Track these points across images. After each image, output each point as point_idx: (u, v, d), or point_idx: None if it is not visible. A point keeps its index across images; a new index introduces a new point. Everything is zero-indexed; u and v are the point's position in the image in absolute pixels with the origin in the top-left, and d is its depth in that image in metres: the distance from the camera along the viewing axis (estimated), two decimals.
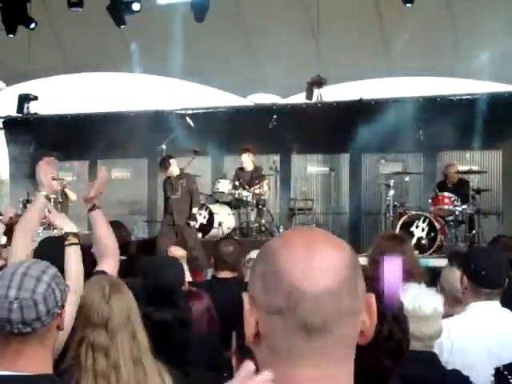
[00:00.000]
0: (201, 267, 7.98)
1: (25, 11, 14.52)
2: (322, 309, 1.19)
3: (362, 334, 1.27)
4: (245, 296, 1.26)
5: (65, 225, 3.45)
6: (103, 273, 3.36)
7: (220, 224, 11.87)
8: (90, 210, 3.68)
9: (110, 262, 3.53)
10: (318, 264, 1.21)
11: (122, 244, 4.16)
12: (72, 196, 12.18)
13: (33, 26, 14.43)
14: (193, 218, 10.90)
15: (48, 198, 3.66)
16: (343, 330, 1.22)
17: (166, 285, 3.67)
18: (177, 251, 5.29)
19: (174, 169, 10.97)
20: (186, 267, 4.93)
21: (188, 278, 4.81)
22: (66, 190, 12.25)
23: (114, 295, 2.88)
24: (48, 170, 3.72)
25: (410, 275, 3.75)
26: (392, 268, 1.35)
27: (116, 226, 4.62)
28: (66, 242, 3.32)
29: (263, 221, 12.05)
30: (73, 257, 3.24)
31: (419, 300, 2.97)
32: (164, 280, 3.70)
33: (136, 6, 13.82)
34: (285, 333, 1.21)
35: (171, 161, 10.93)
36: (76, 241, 3.35)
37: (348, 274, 1.22)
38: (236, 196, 11.97)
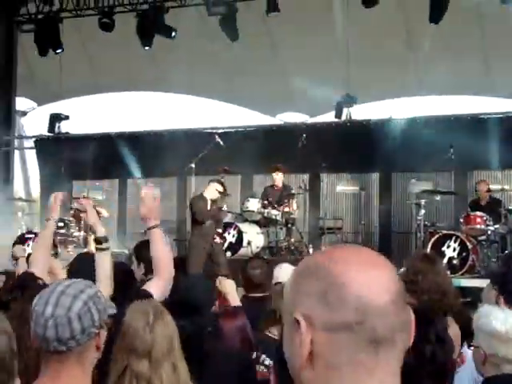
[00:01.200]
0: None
1: (57, 33, 14.73)
2: (389, 320, 1.19)
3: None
4: (298, 316, 1.22)
5: (97, 227, 3.49)
6: (146, 292, 3.33)
7: (249, 243, 11.84)
8: (148, 229, 3.61)
9: (158, 283, 3.48)
10: (378, 276, 1.21)
11: None
12: (104, 213, 12.24)
13: (59, 51, 14.62)
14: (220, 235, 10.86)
15: (56, 224, 3.87)
16: (404, 342, 1.22)
17: (192, 301, 3.65)
18: (225, 282, 4.98)
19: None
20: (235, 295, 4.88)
21: None
22: (98, 208, 12.30)
23: (158, 324, 2.84)
24: (61, 199, 3.91)
25: (444, 296, 3.70)
26: None
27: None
28: (98, 246, 3.35)
29: (292, 240, 12.01)
30: (104, 261, 3.26)
31: (510, 321, 2.91)
32: (192, 296, 3.68)
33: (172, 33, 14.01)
34: (351, 349, 1.19)
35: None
36: (107, 246, 3.37)
37: (400, 285, 1.23)
38: (265, 215, 11.94)
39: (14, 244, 11.84)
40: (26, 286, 3.29)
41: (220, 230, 11.00)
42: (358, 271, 1.20)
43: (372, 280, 1.20)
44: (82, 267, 3.67)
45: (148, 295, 3.30)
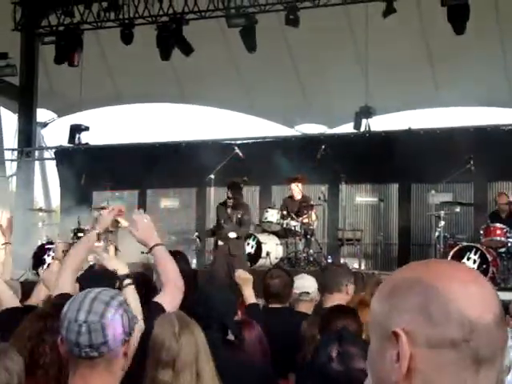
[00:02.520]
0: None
1: (80, 43, 14.89)
2: (492, 339, 1.17)
3: None
4: (398, 330, 1.19)
5: (119, 266, 3.47)
6: (158, 305, 3.35)
7: (268, 254, 11.84)
8: (151, 248, 3.57)
9: (171, 293, 3.47)
10: (482, 293, 1.19)
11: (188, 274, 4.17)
12: (124, 223, 12.29)
13: (76, 63, 14.78)
14: (225, 236, 10.84)
15: (99, 237, 3.73)
16: (501, 363, 1.20)
17: (215, 311, 3.66)
18: (244, 274, 5.24)
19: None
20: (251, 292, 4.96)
21: None
22: (119, 218, 12.36)
23: (185, 332, 2.86)
24: (114, 213, 3.80)
25: None
26: None
27: (178, 256, 4.65)
28: (124, 283, 3.35)
29: (311, 251, 11.98)
30: (131, 296, 3.26)
31: None
32: (214, 308, 3.69)
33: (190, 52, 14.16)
34: (454, 366, 1.16)
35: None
36: (131, 281, 3.38)
37: (501, 305, 1.21)
38: (284, 226, 11.94)
39: (33, 255, 11.97)
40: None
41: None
42: (463, 287, 1.18)
43: (477, 297, 1.18)
44: (93, 280, 3.67)
45: (161, 308, 3.32)
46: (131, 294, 3.30)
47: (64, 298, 3.18)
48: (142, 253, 3.74)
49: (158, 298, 3.44)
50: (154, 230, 3.64)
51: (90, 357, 2.29)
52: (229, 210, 10.89)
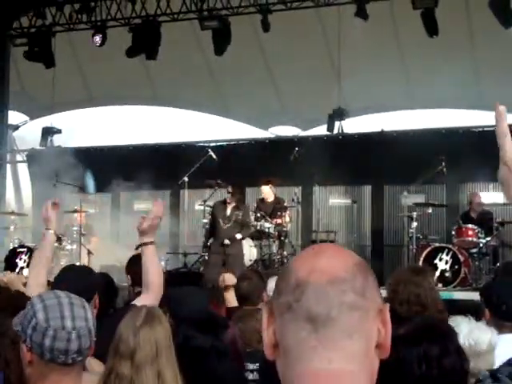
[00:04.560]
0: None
1: (49, 46, 14.78)
2: (324, 298, 1.23)
3: (379, 346, 1.28)
4: (263, 306, 1.31)
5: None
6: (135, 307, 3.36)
7: None
8: (144, 244, 3.68)
9: (149, 299, 3.52)
10: (325, 262, 1.27)
11: None
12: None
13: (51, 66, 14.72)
14: (233, 239, 10.92)
15: (56, 235, 3.88)
16: (349, 321, 1.24)
17: (184, 311, 3.68)
18: (230, 280, 5.32)
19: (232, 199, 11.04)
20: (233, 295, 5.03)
21: None
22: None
23: (144, 327, 2.86)
24: (55, 208, 3.90)
25: (425, 309, 3.69)
26: None
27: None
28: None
29: (285, 253, 12.00)
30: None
31: (474, 336, 2.90)
32: (184, 308, 3.70)
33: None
34: (293, 328, 1.24)
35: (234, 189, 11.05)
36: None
37: (352, 271, 1.26)
38: (258, 228, 11.95)
39: (5, 259, 11.86)
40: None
41: None
42: (308, 259, 1.28)
43: (313, 265, 1.26)
44: (67, 279, 3.68)
45: None
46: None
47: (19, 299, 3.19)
48: (137, 248, 3.84)
49: (137, 301, 3.46)
50: (156, 229, 3.75)
51: (68, 363, 2.25)
52: (228, 210, 10.96)
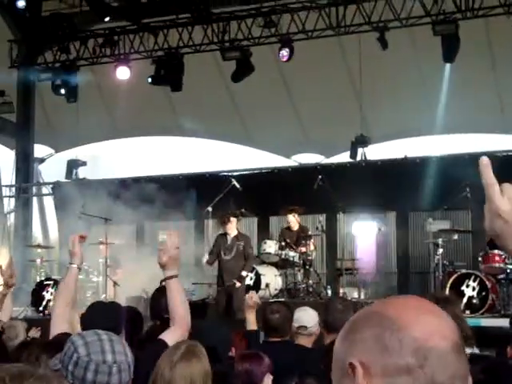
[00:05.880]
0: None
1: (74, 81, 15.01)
2: (449, 366, 1.17)
3: None
4: (354, 362, 1.19)
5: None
6: (162, 342, 3.37)
7: (267, 285, 11.82)
8: (168, 278, 3.62)
9: (176, 333, 3.49)
10: (437, 322, 1.20)
11: None
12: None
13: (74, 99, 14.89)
14: (240, 279, 10.87)
15: (79, 269, 3.84)
16: None
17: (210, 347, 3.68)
18: (255, 300, 5.34)
19: (233, 227, 10.99)
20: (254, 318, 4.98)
21: None
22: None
23: (181, 363, 2.89)
24: (80, 242, 3.89)
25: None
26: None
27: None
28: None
29: (310, 281, 11.96)
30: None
31: None
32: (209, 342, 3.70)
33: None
34: None
35: (232, 218, 10.95)
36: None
37: (459, 335, 1.22)
38: (283, 256, 11.93)
39: (33, 292, 11.94)
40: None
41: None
42: (416, 315, 1.19)
43: (431, 325, 1.19)
44: (95, 316, 3.71)
45: (164, 344, 3.34)
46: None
47: (61, 337, 3.21)
48: (161, 282, 3.80)
49: (164, 335, 3.46)
50: (178, 260, 3.68)
51: None
52: (228, 240, 10.92)
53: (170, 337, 3.45)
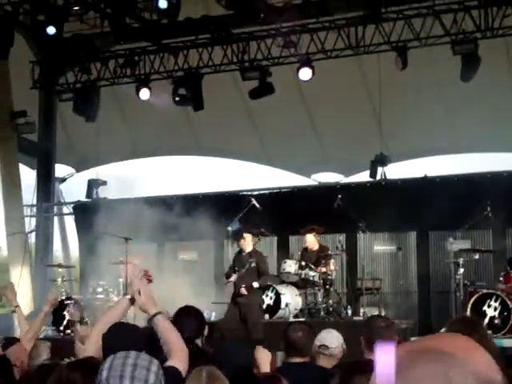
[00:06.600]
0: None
1: (94, 101, 15.12)
2: None
3: None
4: None
5: (149, 308, 3.58)
6: (174, 368, 3.36)
7: (287, 305, 11.78)
8: (153, 317, 3.58)
9: (179, 358, 3.47)
10: (487, 357, 1.23)
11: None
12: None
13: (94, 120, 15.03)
14: (249, 288, 10.86)
15: (132, 302, 3.75)
16: None
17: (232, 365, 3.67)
18: (262, 352, 5.09)
19: (247, 244, 11.04)
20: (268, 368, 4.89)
21: None
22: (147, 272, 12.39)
23: None
24: (139, 274, 3.80)
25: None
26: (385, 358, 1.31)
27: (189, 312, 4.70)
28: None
29: (331, 301, 11.91)
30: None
31: None
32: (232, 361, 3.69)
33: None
34: None
35: (246, 235, 11.02)
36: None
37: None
38: (303, 276, 11.90)
39: (53, 311, 11.97)
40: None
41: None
42: (471, 352, 1.23)
43: (485, 361, 1.22)
44: (114, 337, 3.71)
45: (177, 371, 3.34)
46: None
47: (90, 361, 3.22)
48: (149, 322, 3.73)
49: (171, 362, 3.45)
50: (154, 298, 3.65)
51: None
52: (242, 257, 11.00)
53: (178, 362, 3.42)
